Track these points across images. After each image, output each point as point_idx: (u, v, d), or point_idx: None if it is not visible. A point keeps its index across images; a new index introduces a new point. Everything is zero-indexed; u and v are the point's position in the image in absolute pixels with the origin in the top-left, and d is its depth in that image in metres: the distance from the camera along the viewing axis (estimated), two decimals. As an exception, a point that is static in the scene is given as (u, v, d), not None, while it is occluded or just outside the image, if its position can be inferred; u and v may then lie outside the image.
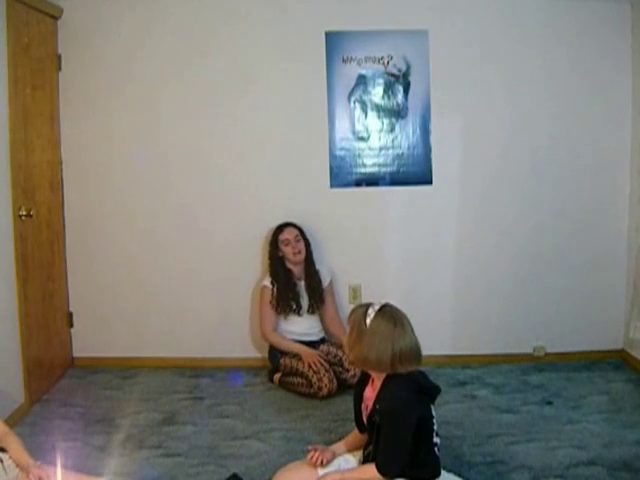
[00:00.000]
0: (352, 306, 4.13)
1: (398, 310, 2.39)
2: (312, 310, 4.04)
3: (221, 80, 4.15)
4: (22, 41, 3.62)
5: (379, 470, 2.28)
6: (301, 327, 4.03)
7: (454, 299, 4.28)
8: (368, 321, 2.33)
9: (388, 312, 2.35)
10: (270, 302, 4.00)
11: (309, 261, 4.07)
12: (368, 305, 2.39)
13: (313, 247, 4.14)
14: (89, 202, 4.24)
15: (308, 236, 4.15)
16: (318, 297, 4.05)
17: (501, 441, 3.16)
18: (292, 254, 3.99)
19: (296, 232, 4.03)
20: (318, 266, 4.11)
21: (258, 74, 4.14)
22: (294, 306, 4.00)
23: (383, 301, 2.42)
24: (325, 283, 4.10)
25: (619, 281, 4.23)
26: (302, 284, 4.06)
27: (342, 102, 4.17)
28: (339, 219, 4.25)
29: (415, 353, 2.34)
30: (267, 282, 4.04)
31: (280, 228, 4.05)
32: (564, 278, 4.22)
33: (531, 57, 4.10)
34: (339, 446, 2.61)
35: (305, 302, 4.03)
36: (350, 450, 2.59)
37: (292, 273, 4.04)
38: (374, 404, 2.36)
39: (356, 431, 2.59)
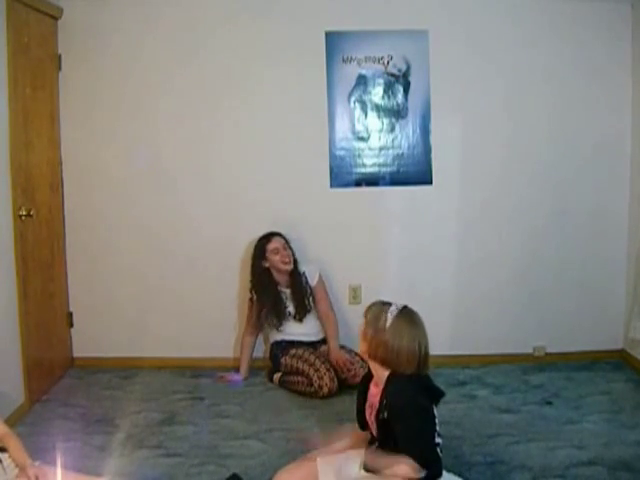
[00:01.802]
0: (352, 307, 4.18)
1: (418, 314, 2.46)
2: (299, 317, 4.01)
3: (221, 80, 4.15)
4: (22, 41, 3.62)
5: (413, 458, 2.24)
6: (300, 329, 4.03)
7: (454, 299, 4.28)
8: (389, 318, 2.37)
9: (407, 314, 2.41)
10: (257, 315, 4.03)
11: (295, 270, 4.03)
12: (388, 304, 2.43)
13: (313, 247, 4.15)
14: (89, 202, 4.24)
15: (308, 236, 4.16)
16: (304, 305, 4.01)
17: (501, 441, 3.16)
18: (282, 263, 3.96)
19: (283, 241, 4.01)
20: (304, 267, 4.07)
21: (258, 74, 4.14)
22: (275, 321, 3.99)
23: (399, 304, 2.45)
24: (314, 282, 4.07)
25: (619, 281, 4.23)
26: (288, 292, 4.04)
27: (342, 102, 4.17)
28: (339, 219, 4.24)
29: (429, 356, 2.44)
30: (252, 294, 4.05)
31: (266, 238, 4.00)
32: (564, 278, 4.23)
33: (531, 57, 4.10)
34: (342, 443, 2.63)
35: (292, 309, 4.01)
36: (353, 447, 2.60)
37: (278, 284, 4.02)
38: (380, 400, 2.37)
39: (357, 429, 2.61)
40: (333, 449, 2.67)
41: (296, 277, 4.03)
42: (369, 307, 2.48)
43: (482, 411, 3.54)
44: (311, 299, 4.07)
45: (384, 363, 2.40)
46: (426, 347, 2.41)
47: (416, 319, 2.42)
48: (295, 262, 4.03)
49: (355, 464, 2.54)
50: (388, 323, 2.37)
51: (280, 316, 3.99)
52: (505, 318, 4.26)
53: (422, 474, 2.27)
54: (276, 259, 3.96)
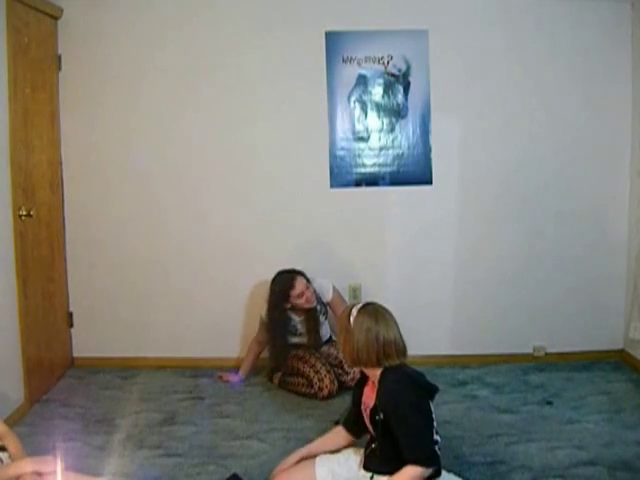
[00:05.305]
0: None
1: (380, 306, 2.48)
2: (313, 347, 3.92)
3: (221, 80, 4.15)
4: (22, 41, 3.62)
5: (418, 463, 2.27)
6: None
7: (454, 299, 4.27)
8: (351, 320, 2.42)
9: (370, 309, 2.44)
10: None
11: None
12: (352, 306, 2.49)
13: (313, 247, 4.14)
14: (89, 202, 4.24)
15: (308, 236, 4.16)
16: (317, 337, 3.92)
17: (501, 441, 3.16)
18: (307, 303, 3.82)
19: (304, 281, 3.82)
20: (317, 282, 3.93)
21: (258, 74, 4.14)
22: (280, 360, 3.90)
23: (360, 303, 2.50)
24: (328, 296, 3.96)
25: (619, 281, 4.23)
26: (299, 318, 3.94)
27: (342, 102, 4.17)
28: (339, 219, 4.24)
29: (400, 346, 2.42)
30: (265, 318, 3.93)
31: (289, 282, 3.78)
32: (564, 278, 4.22)
33: (530, 56, 4.09)
34: (314, 446, 2.68)
35: (305, 340, 3.94)
36: (326, 450, 2.64)
37: (289, 317, 3.91)
38: (376, 401, 2.38)
39: (338, 433, 2.66)
40: (318, 450, 2.68)
41: (310, 310, 3.89)
42: (338, 318, 2.52)
43: (482, 411, 3.54)
44: (323, 317, 3.97)
45: (359, 363, 2.43)
46: (387, 337, 2.38)
47: (377, 312, 2.43)
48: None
49: (354, 463, 2.55)
50: (352, 322, 2.41)
51: (285, 345, 3.89)
52: (505, 318, 4.26)
53: (430, 471, 2.29)
54: (302, 302, 3.81)
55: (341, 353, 2.55)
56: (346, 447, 2.65)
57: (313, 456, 2.63)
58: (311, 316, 3.91)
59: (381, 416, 2.34)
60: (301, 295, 3.80)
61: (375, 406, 2.38)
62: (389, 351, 2.38)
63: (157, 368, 4.22)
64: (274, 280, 3.86)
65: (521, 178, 4.19)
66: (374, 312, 2.43)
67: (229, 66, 4.14)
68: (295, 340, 3.97)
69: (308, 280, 3.86)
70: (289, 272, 3.84)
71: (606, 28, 4.07)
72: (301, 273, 3.85)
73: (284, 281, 3.81)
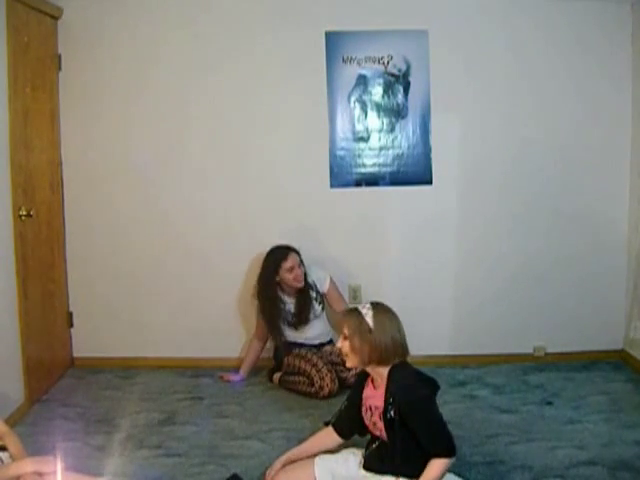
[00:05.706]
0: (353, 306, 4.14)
1: (384, 303, 2.54)
2: (296, 327, 3.94)
3: (221, 80, 4.15)
4: (22, 41, 3.62)
5: (444, 455, 2.31)
6: (307, 334, 3.99)
7: (454, 299, 4.27)
8: (369, 320, 2.42)
9: (383, 308, 2.49)
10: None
11: (304, 284, 3.94)
12: (356, 308, 2.50)
13: (313, 248, 4.14)
14: (89, 202, 4.24)
15: (308, 236, 4.15)
16: (304, 317, 3.93)
17: (501, 441, 3.16)
18: (295, 281, 3.85)
19: (298, 259, 3.88)
20: (312, 274, 3.97)
21: (258, 74, 4.14)
22: (274, 332, 3.95)
23: (366, 303, 2.53)
24: (325, 287, 4.01)
25: (619, 281, 4.23)
26: (293, 302, 3.95)
27: (342, 102, 4.17)
28: (339, 219, 4.25)
29: (407, 343, 2.50)
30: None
31: (282, 254, 3.86)
32: (564, 278, 4.22)
33: (531, 57, 4.10)
34: (305, 448, 2.70)
35: (291, 319, 3.94)
36: (315, 452, 2.65)
37: (284, 293, 3.93)
38: (386, 400, 2.38)
39: (327, 434, 2.67)
40: (308, 452, 2.68)
41: (303, 290, 3.93)
42: (344, 321, 2.51)
43: (482, 411, 3.54)
44: (320, 307, 3.99)
45: (380, 362, 2.44)
46: (404, 335, 2.49)
47: (391, 310, 2.50)
48: (305, 277, 3.93)
49: (353, 463, 2.55)
50: (371, 323, 2.41)
51: (278, 327, 3.93)
52: (505, 318, 4.26)
53: (453, 459, 2.34)
54: (290, 277, 3.84)
55: (347, 355, 2.50)
56: (336, 448, 2.66)
57: (305, 457, 2.63)
58: (302, 300, 3.93)
59: (392, 414, 2.35)
60: (291, 270, 3.84)
61: (386, 405, 2.38)
62: (406, 348, 2.46)
63: (157, 368, 4.22)
64: (268, 253, 3.93)
65: (521, 178, 4.19)
66: (389, 310, 2.48)
67: (229, 66, 4.14)
68: (290, 333, 3.96)
69: (302, 261, 3.90)
70: (285, 247, 3.91)
71: (606, 28, 4.07)
72: (296, 251, 3.91)
73: (277, 253, 3.89)
